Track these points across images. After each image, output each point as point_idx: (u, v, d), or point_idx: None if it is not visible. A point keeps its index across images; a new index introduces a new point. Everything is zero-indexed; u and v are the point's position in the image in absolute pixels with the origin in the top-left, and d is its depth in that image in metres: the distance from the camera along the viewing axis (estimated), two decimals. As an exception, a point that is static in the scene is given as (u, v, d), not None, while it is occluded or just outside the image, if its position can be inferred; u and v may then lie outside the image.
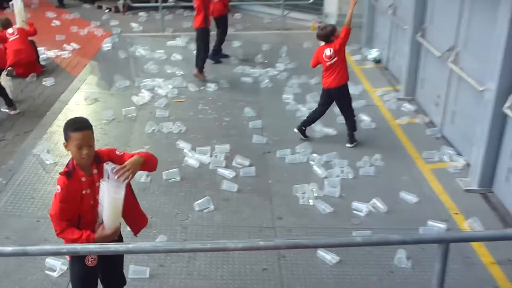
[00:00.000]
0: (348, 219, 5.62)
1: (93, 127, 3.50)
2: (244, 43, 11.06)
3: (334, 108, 7.30)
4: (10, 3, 12.37)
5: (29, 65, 9.43)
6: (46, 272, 4.75)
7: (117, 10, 13.81)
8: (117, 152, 3.63)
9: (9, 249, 3.48)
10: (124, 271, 4.05)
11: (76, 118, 3.62)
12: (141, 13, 13.32)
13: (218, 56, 10.50)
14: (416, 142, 7.23)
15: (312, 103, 8.24)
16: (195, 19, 9.20)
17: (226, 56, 10.62)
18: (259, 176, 6.42)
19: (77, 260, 3.66)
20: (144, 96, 8.63)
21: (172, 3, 12.84)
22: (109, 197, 3.34)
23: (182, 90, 8.99)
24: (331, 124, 7.55)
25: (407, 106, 8.28)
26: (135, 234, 3.92)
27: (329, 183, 6.15)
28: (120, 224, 3.53)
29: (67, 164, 3.50)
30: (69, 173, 3.47)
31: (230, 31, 10.85)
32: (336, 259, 4.94)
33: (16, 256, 4.06)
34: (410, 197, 5.94)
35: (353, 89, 7.94)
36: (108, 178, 3.30)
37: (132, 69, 10.15)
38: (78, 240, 3.44)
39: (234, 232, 5.42)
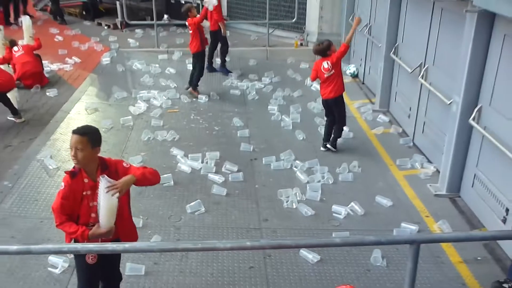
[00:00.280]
0: (328, 221, 5.63)
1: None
2: (232, 59, 11.06)
3: (316, 119, 7.29)
4: (19, 19, 12.32)
5: (35, 76, 9.32)
6: (49, 269, 4.71)
7: (115, 27, 13.76)
8: (124, 165, 3.62)
9: (14, 248, 3.46)
10: (120, 268, 4.07)
11: (83, 125, 3.64)
12: (137, 30, 13.29)
13: (223, 68, 10.54)
14: (390, 151, 7.27)
15: (295, 113, 8.28)
16: (191, 45, 9.08)
17: (229, 71, 10.55)
18: (247, 181, 6.42)
19: (79, 257, 3.68)
20: (140, 106, 8.60)
21: (166, 21, 12.83)
22: (105, 195, 3.34)
23: (175, 101, 8.97)
24: (313, 133, 7.56)
25: (382, 118, 8.33)
26: None
27: (311, 188, 6.16)
28: (114, 225, 3.50)
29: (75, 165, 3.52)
30: (74, 173, 3.49)
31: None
32: (317, 258, 4.95)
33: (21, 254, 4.02)
34: (385, 201, 5.97)
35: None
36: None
37: (129, 81, 10.10)
38: (74, 234, 3.46)
39: (223, 233, 5.41)
